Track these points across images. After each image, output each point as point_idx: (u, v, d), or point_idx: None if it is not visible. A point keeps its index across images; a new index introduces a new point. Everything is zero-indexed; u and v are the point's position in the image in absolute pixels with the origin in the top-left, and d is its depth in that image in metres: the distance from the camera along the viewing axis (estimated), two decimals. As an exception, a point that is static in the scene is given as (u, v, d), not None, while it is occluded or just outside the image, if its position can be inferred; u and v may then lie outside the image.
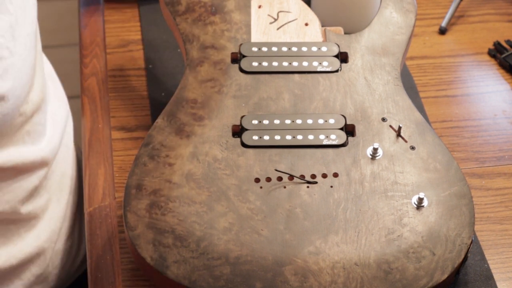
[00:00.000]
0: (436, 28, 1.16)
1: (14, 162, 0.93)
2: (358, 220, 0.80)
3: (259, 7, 1.01)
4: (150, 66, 1.09)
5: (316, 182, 0.84)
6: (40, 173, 0.99)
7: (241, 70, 0.94)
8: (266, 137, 0.87)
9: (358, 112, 0.90)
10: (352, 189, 0.83)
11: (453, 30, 1.16)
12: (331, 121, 0.89)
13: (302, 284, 0.76)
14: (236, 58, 0.95)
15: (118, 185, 0.95)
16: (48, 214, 1.02)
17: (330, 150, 0.86)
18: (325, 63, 0.94)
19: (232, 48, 0.96)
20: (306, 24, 1.00)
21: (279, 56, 0.95)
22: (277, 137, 0.87)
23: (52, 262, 1.04)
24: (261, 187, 0.83)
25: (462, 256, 0.79)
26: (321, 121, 0.89)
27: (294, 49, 0.96)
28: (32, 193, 0.99)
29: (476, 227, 0.90)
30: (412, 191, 0.83)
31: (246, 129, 0.88)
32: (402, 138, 0.88)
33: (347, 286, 0.76)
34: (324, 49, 0.96)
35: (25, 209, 0.98)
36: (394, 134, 0.88)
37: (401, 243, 0.79)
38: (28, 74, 0.92)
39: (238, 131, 0.88)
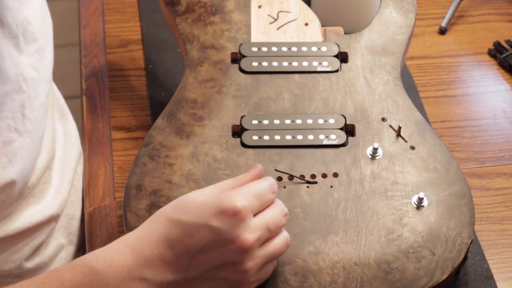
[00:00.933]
0: (436, 28, 1.16)
1: (20, 229, 0.90)
2: (358, 220, 0.80)
3: (259, 7, 1.01)
4: (150, 66, 1.09)
5: (316, 182, 0.84)
6: (47, 229, 0.95)
7: (241, 70, 0.94)
8: (266, 137, 0.87)
9: (358, 112, 0.90)
10: (352, 189, 0.83)
11: (453, 30, 1.16)
12: (331, 121, 0.89)
13: (302, 284, 0.76)
14: (236, 58, 0.95)
15: (118, 185, 0.95)
16: (56, 262, 0.99)
17: (330, 150, 0.86)
18: (325, 63, 0.94)
19: (232, 48, 0.96)
20: (306, 24, 1.00)
21: (279, 56, 0.95)
22: (277, 137, 0.87)
23: None
24: (261, 187, 0.83)
25: (462, 256, 0.79)
26: (321, 121, 0.88)
27: (294, 49, 0.96)
28: (39, 248, 0.95)
29: (476, 227, 0.90)
30: (412, 191, 0.83)
31: (246, 129, 0.88)
32: (402, 138, 0.88)
33: (347, 286, 0.76)
34: (324, 49, 0.96)
35: (31, 264, 0.94)
36: (394, 134, 0.88)
37: (401, 243, 0.79)
38: (37, 148, 0.88)
39: (238, 131, 0.88)
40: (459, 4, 1.17)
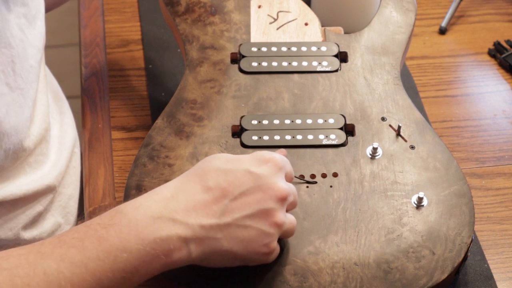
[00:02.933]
0: (436, 28, 1.16)
1: (16, 195, 0.91)
2: (357, 220, 0.80)
3: (259, 7, 1.01)
4: (150, 66, 1.09)
5: (315, 182, 0.84)
6: (45, 200, 0.96)
7: (241, 70, 0.94)
8: (266, 137, 0.87)
9: (358, 112, 0.90)
10: (352, 189, 0.83)
11: (453, 30, 1.16)
12: (331, 121, 0.89)
13: (301, 284, 0.76)
14: (236, 59, 0.95)
15: (118, 185, 0.95)
16: None
17: (329, 150, 0.86)
18: (324, 63, 0.94)
19: (231, 48, 0.96)
20: (306, 24, 1.00)
21: (279, 56, 0.95)
22: (277, 137, 0.87)
23: None
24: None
25: (462, 256, 0.79)
26: (320, 121, 0.88)
27: (294, 49, 0.96)
28: (36, 219, 0.96)
29: (476, 227, 0.90)
30: (411, 191, 0.83)
31: (246, 129, 0.88)
32: (402, 137, 0.88)
33: (347, 286, 0.76)
34: (323, 48, 0.96)
35: (29, 234, 0.95)
36: (393, 133, 0.88)
37: (401, 242, 0.79)
38: (30, 108, 0.90)
39: (237, 131, 0.88)
40: (459, 4, 1.17)
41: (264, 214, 0.73)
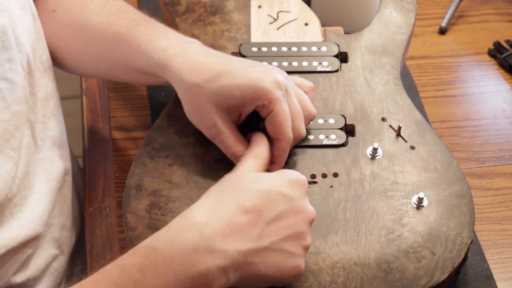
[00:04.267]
0: (436, 28, 1.16)
1: (8, 246, 0.85)
2: (357, 220, 0.80)
3: (259, 7, 1.01)
4: (150, 66, 1.09)
5: (315, 182, 0.84)
6: (34, 243, 0.89)
7: (241, 70, 0.94)
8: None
9: (358, 112, 0.90)
10: (352, 189, 0.83)
11: (453, 30, 1.16)
12: (331, 121, 0.89)
13: (302, 284, 0.76)
14: (236, 58, 0.95)
15: (118, 185, 0.95)
16: (48, 274, 0.94)
17: (330, 150, 0.86)
18: (324, 63, 0.94)
19: (232, 48, 0.96)
20: (306, 24, 1.00)
21: (279, 56, 0.95)
22: (277, 137, 0.87)
23: None
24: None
25: (462, 256, 0.79)
26: (321, 121, 0.88)
27: (294, 49, 0.96)
28: (27, 261, 0.90)
29: (476, 227, 0.90)
30: (412, 191, 0.83)
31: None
32: (402, 138, 0.88)
33: (347, 286, 0.76)
34: (324, 49, 0.96)
35: (20, 278, 0.89)
36: (394, 134, 0.88)
37: (401, 243, 0.79)
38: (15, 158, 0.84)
39: (238, 131, 0.88)
40: (459, 4, 1.17)
41: (298, 237, 0.73)
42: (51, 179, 0.92)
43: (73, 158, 1.03)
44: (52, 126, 0.93)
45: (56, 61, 0.95)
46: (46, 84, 0.92)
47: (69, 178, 0.97)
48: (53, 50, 0.94)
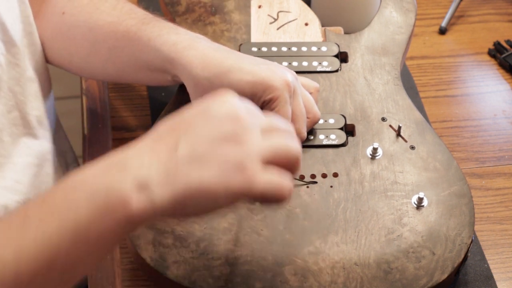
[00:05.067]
0: (436, 28, 1.16)
1: None
2: (358, 220, 0.80)
3: (259, 7, 1.01)
4: (150, 66, 1.09)
5: (316, 182, 0.84)
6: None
7: (241, 70, 0.94)
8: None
9: (358, 112, 0.90)
10: (352, 189, 0.83)
11: (453, 30, 1.16)
12: (331, 121, 0.89)
13: (302, 284, 0.76)
14: (236, 58, 0.95)
15: (118, 185, 0.95)
16: None
17: (330, 150, 0.86)
18: (325, 63, 0.94)
19: (231, 48, 0.96)
20: (306, 24, 1.00)
21: (279, 56, 0.95)
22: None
23: None
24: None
25: (462, 256, 0.79)
26: (320, 121, 0.88)
27: (294, 49, 0.96)
28: None
29: (476, 227, 0.90)
30: (412, 191, 0.83)
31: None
32: (402, 137, 0.88)
33: (347, 286, 0.76)
34: (324, 49, 0.96)
35: None
36: (394, 133, 0.88)
37: (401, 242, 0.79)
38: None
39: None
40: (459, 4, 1.16)
41: (229, 139, 0.65)
42: (31, 154, 0.90)
43: (69, 148, 1.03)
44: (36, 106, 0.91)
45: (64, 63, 0.95)
46: (32, 66, 0.92)
47: (50, 157, 0.95)
48: (62, 51, 0.94)
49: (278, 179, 0.66)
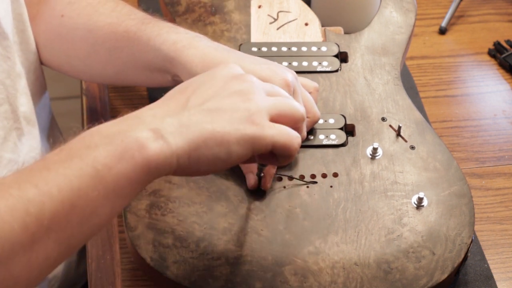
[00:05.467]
0: (436, 28, 1.16)
1: None
2: (357, 220, 0.80)
3: (259, 7, 1.01)
4: (150, 66, 1.09)
5: (316, 182, 0.84)
6: None
7: (241, 70, 0.94)
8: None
9: (358, 112, 0.90)
10: (352, 189, 0.83)
11: (453, 30, 1.16)
12: (331, 121, 0.89)
13: (301, 284, 0.76)
14: (236, 58, 0.95)
15: (118, 185, 0.95)
16: None
17: (330, 150, 0.86)
18: (324, 63, 0.94)
19: (232, 48, 0.96)
20: (306, 24, 1.00)
21: (279, 56, 0.95)
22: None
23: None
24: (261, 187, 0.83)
25: (462, 256, 0.79)
26: (320, 121, 0.88)
27: (294, 49, 0.96)
28: None
29: (476, 227, 0.90)
30: (412, 191, 0.83)
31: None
32: (402, 137, 0.88)
33: (347, 286, 0.76)
34: (324, 49, 0.96)
35: None
36: (394, 133, 0.88)
37: (401, 242, 0.79)
38: None
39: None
40: (459, 4, 1.17)
41: (238, 93, 0.69)
42: (16, 151, 0.91)
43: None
44: (23, 102, 0.91)
45: (63, 66, 0.95)
46: (21, 62, 0.91)
47: (37, 156, 0.94)
48: (61, 54, 0.94)
49: (287, 129, 0.70)
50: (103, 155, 0.62)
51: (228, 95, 0.69)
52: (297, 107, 0.73)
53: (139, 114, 0.67)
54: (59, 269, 1.01)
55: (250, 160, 0.72)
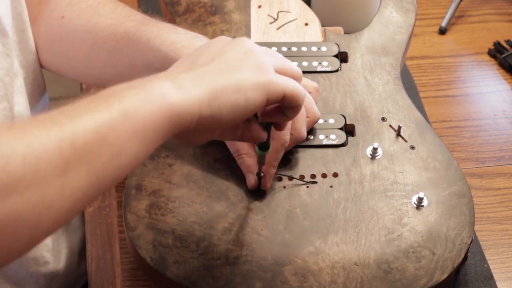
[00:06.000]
0: (436, 28, 1.16)
1: None
2: (357, 220, 0.80)
3: (259, 7, 1.01)
4: (150, 66, 1.09)
5: (316, 182, 0.84)
6: None
7: (241, 70, 0.94)
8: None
9: (358, 112, 0.90)
10: (352, 189, 0.83)
11: (453, 30, 1.16)
12: (331, 121, 0.89)
13: (301, 284, 0.76)
14: (236, 58, 0.95)
15: (118, 185, 0.95)
16: None
17: (330, 150, 0.86)
18: (324, 63, 0.94)
19: (232, 48, 0.96)
20: (306, 24, 1.00)
21: (279, 56, 0.95)
22: (277, 137, 0.87)
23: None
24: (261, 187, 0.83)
25: (462, 256, 0.79)
26: (320, 121, 0.88)
27: (294, 49, 0.96)
28: None
29: (476, 227, 0.90)
30: (412, 191, 0.83)
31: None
32: (402, 137, 0.88)
33: (347, 286, 0.76)
34: (324, 49, 0.96)
35: None
36: (394, 133, 0.88)
37: (401, 242, 0.79)
38: None
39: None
40: (459, 4, 1.17)
41: (246, 51, 0.72)
42: None
43: None
44: (19, 101, 0.92)
45: (63, 67, 0.95)
46: (19, 61, 0.91)
47: None
48: (60, 55, 0.94)
49: (293, 80, 0.73)
50: (128, 99, 0.64)
51: (233, 52, 0.71)
52: (294, 66, 0.76)
53: (151, 76, 0.68)
54: (59, 269, 1.01)
55: (266, 114, 0.75)
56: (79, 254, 1.07)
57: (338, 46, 0.96)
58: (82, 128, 0.61)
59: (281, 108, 0.74)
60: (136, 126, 0.63)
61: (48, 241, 0.97)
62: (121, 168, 0.64)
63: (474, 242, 0.88)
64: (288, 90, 0.72)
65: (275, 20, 1.00)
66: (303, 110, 0.84)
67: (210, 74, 0.69)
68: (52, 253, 0.98)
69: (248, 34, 0.98)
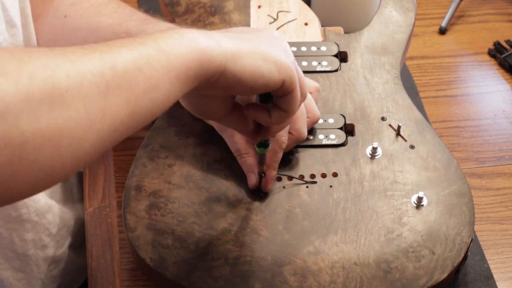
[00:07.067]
0: (436, 28, 1.16)
1: None
2: (357, 219, 0.80)
3: (259, 7, 1.01)
4: (150, 66, 1.09)
5: (315, 182, 0.84)
6: None
7: (241, 70, 0.93)
8: (266, 137, 0.87)
9: (358, 112, 0.90)
10: (352, 189, 0.83)
11: (453, 30, 1.16)
12: (331, 120, 0.89)
13: (301, 284, 0.76)
14: (236, 58, 0.95)
15: (118, 185, 0.95)
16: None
17: (329, 150, 0.86)
18: (324, 63, 0.94)
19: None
20: (306, 24, 1.00)
21: (279, 56, 0.95)
22: (277, 137, 0.87)
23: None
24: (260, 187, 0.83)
25: (462, 255, 0.78)
26: (320, 120, 0.88)
27: (294, 48, 0.96)
28: None
29: (476, 227, 0.90)
30: (411, 190, 0.83)
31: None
32: (402, 137, 0.87)
33: (347, 286, 0.76)
34: (323, 48, 0.96)
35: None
36: (393, 133, 0.88)
37: (401, 242, 0.79)
38: None
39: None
40: (459, 4, 1.17)
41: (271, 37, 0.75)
42: None
43: None
44: None
45: None
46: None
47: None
48: None
49: (305, 84, 0.75)
50: (163, 39, 0.66)
51: (264, 33, 0.75)
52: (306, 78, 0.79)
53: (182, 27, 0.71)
54: (60, 268, 1.01)
55: (251, 107, 0.75)
56: (80, 245, 1.08)
57: (338, 45, 0.96)
58: (122, 58, 0.63)
59: (269, 107, 0.75)
60: (170, 64, 0.65)
61: (49, 226, 0.98)
62: (154, 104, 0.65)
63: (474, 242, 0.88)
64: (296, 87, 0.73)
65: (275, 20, 1.00)
66: (303, 110, 0.84)
67: (241, 39, 0.71)
68: (52, 239, 0.99)
69: (247, 34, 0.98)
